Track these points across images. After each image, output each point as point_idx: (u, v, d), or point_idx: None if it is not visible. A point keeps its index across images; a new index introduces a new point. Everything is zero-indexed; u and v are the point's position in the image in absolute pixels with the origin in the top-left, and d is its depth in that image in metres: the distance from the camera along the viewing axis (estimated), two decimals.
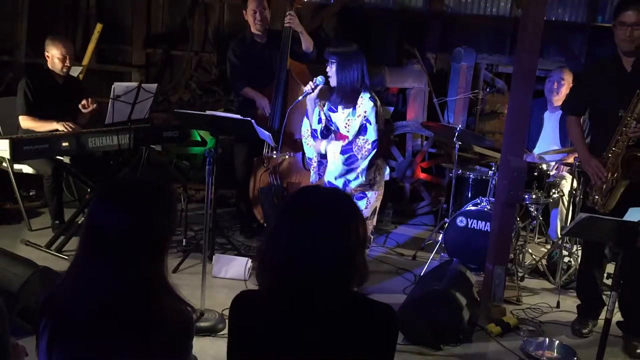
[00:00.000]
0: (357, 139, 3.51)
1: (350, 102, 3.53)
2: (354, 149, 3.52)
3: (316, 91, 3.58)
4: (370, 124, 3.49)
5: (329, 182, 3.68)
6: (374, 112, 3.48)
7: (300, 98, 3.66)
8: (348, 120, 3.57)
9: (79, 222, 4.09)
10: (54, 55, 4.26)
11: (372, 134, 3.50)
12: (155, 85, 4.26)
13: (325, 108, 3.65)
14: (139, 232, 1.50)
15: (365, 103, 3.49)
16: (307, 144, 3.76)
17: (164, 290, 1.54)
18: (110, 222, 1.49)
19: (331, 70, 3.50)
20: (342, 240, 1.47)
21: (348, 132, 3.58)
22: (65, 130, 4.02)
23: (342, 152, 3.53)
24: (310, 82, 3.58)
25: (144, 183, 1.61)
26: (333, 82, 3.52)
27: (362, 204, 3.60)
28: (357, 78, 3.47)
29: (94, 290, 1.49)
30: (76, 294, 1.50)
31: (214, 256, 3.91)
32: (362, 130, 3.50)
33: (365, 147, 3.50)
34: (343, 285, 1.49)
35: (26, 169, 4.40)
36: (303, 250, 1.45)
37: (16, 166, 4.39)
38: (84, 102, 4.21)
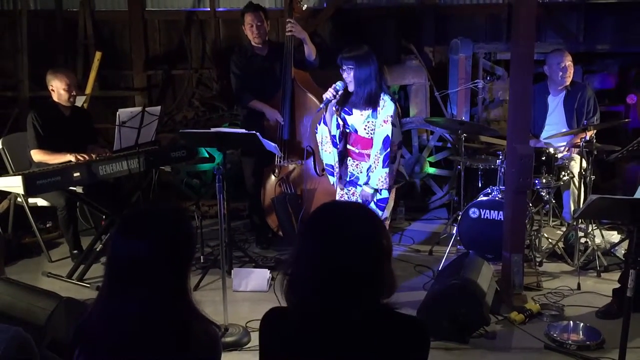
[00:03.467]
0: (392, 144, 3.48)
1: (371, 105, 3.48)
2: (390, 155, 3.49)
3: (337, 97, 3.52)
4: (395, 126, 3.49)
5: (346, 184, 3.70)
6: (396, 114, 3.48)
7: (322, 106, 3.58)
8: (368, 122, 3.53)
9: (98, 249, 4.15)
10: (58, 87, 4.26)
11: (397, 135, 3.51)
12: (158, 107, 4.28)
13: (339, 112, 3.62)
14: (161, 260, 1.54)
15: (388, 105, 3.46)
16: (325, 151, 3.69)
17: (190, 312, 1.58)
18: (132, 253, 1.53)
19: (349, 75, 3.46)
20: (368, 255, 1.46)
21: (368, 134, 3.53)
22: (77, 161, 4.04)
23: (384, 161, 3.47)
24: (331, 89, 3.51)
25: (160, 211, 1.65)
26: (352, 87, 3.48)
27: (383, 213, 3.59)
28: (375, 79, 3.45)
29: (122, 319, 1.53)
30: (106, 324, 1.54)
31: (232, 270, 3.96)
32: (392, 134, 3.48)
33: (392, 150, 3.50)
34: (372, 299, 1.49)
35: (40, 201, 4.46)
36: (329, 268, 1.45)
37: (30, 200, 4.45)
38: (94, 155, 4.17)
